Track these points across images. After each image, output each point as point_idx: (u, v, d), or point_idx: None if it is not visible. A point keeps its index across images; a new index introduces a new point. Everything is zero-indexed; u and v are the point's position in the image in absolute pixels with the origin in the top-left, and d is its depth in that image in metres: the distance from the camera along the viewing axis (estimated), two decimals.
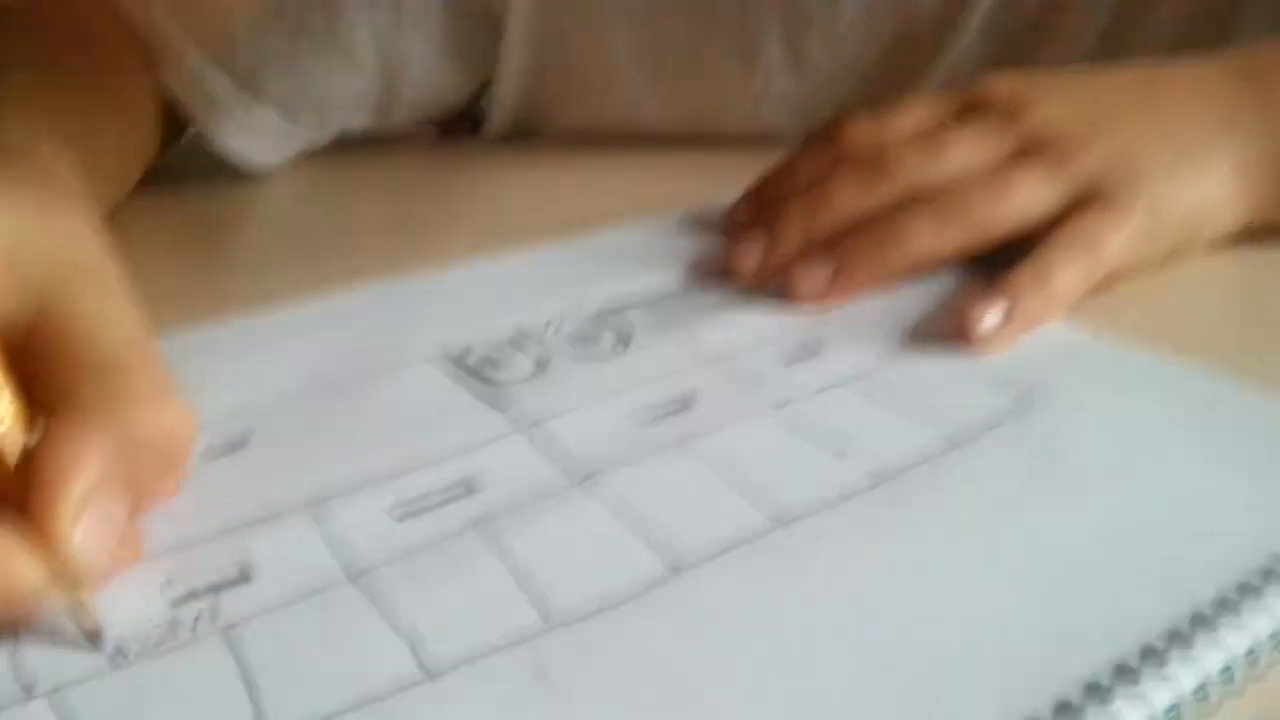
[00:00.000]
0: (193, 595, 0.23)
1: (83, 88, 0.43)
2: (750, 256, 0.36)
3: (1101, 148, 0.35)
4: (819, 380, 0.30)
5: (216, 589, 0.23)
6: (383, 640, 0.22)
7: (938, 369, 0.31)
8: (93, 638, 0.22)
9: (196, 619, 0.22)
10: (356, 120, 0.52)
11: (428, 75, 0.51)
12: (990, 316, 0.32)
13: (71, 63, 0.43)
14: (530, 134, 0.56)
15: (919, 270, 0.35)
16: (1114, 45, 0.49)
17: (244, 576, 0.24)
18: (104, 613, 0.22)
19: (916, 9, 0.50)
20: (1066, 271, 0.33)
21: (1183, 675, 0.20)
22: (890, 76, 0.51)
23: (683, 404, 0.29)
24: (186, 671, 0.21)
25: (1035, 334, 0.32)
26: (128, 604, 0.23)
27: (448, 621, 0.22)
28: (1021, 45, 0.50)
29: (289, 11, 0.48)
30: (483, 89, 0.55)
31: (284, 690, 0.21)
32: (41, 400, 0.23)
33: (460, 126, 0.58)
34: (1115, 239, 0.34)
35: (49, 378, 0.23)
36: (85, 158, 0.37)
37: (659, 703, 0.20)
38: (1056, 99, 0.37)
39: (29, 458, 0.22)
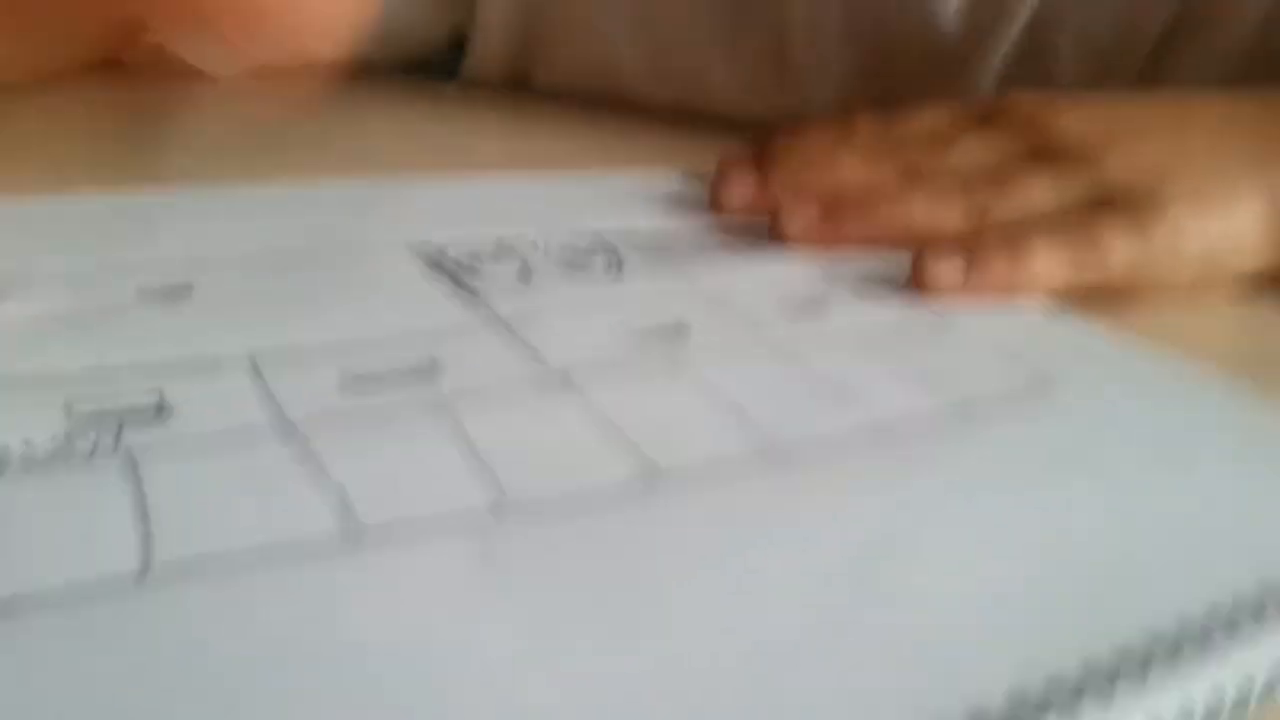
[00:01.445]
0: (97, 419, 0.20)
1: None
2: (739, 188, 0.35)
3: (1125, 160, 0.34)
4: (822, 332, 0.28)
5: (123, 419, 0.20)
6: (304, 498, 0.19)
7: (951, 339, 0.28)
8: None
9: (95, 443, 0.19)
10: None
11: (401, 11, 0.50)
12: (946, 268, 0.30)
13: None
14: (512, 86, 0.54)
15: (910, 242, 0.33)
16: None
17: (158, 413, 0.21)
18: None
19: (896, 31, 0.48)
20: (1052, 252, 0.31)
21: (1188, 684, 0.17)
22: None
23: (675, 332, 0.27)
24: (71, 491, 0.18)
25: (1051, 324, 0.30)
26: (18, 413, 0.20)
27: (384, 492, 0.19)
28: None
29: None
30: (461, 37, 0.53)
31: (179, 527, 0.17)
32: None
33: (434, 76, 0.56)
34: (1125, 243, 0.32)
35: None
36: None
37: (615, 612, 0.17)
38: (1082, 113, 0.36)
39: None
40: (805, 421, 0.23)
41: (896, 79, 0.48)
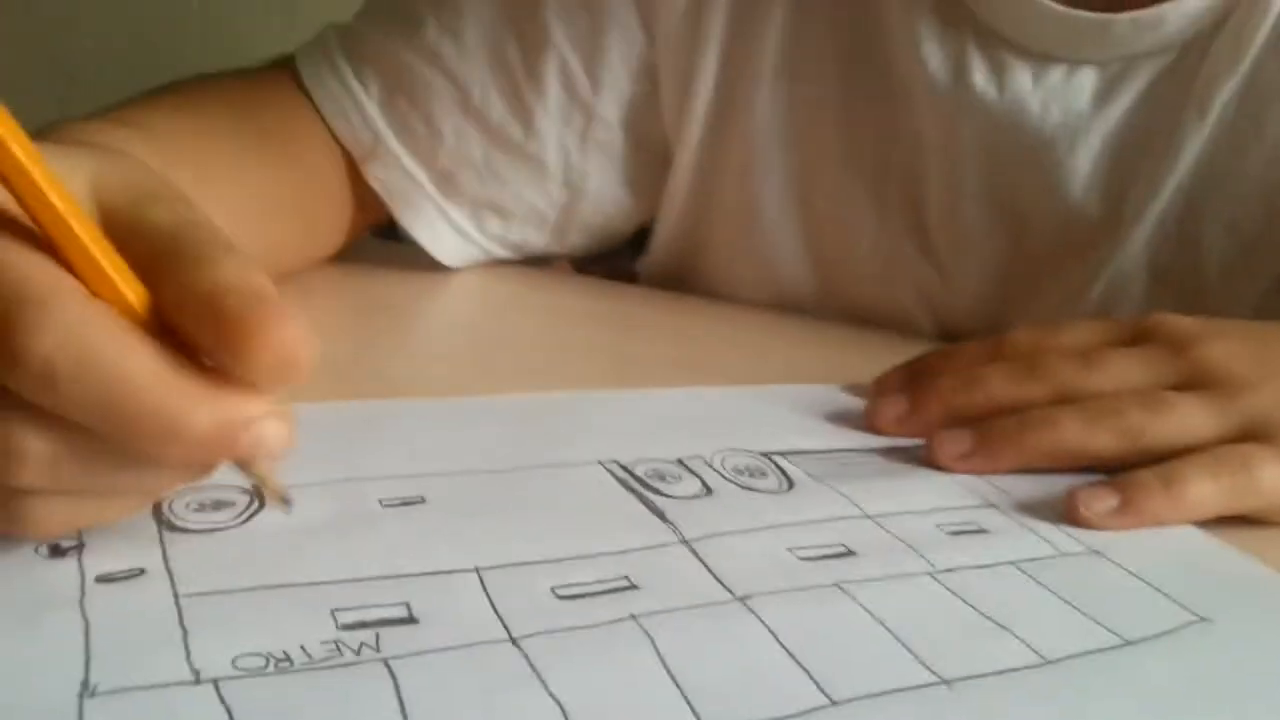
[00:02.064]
0: (360, 625, 0.24)
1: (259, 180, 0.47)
2: (892, 409, 0.38)
3: (1272, 392, 0.35)
4: (982, 556, 0.30)
5: (382, 623, 0.24)
6: (535, 702, 0.22)
7: (1109, 569, 0.30)
8: (283, 500, 0.25)
9: (361, 644, 0.23)
10: (534, 237, 0.56)
11: (605, 198, 0.55)
12: (1098, 503, 0.32)
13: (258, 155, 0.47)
14: (679, 279, 0.58)
15: (1061, 463, 0.35)
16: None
17: (410, 618, 0.24)
18: (275, 620, 0.23)
19: (1059, 220, 0.49)
20: (1203, 483, 0.33)
21: None
22: (1038, 292, 0.51)
23: (844, 550, 0.29)
24: (346, 689, 0.22)
25: (1215, 560, 0.31)
26: (298, 620, 0.24)
27: (600, 703, 0.22)
28: (1184, 286, 0.49)
29: (491, 121, 0.52)
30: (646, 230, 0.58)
31: None
32: (150, 284, 0.23)
33: (616, 265, 0.61)
34: (1272, 470, 0.33)
35: (155, 252, 0.23)
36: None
37: None
38: (1228, 339, 0.37)
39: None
40: (972, 647, 0.25)
41: (1035, 246, 0.50)
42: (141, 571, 0.25)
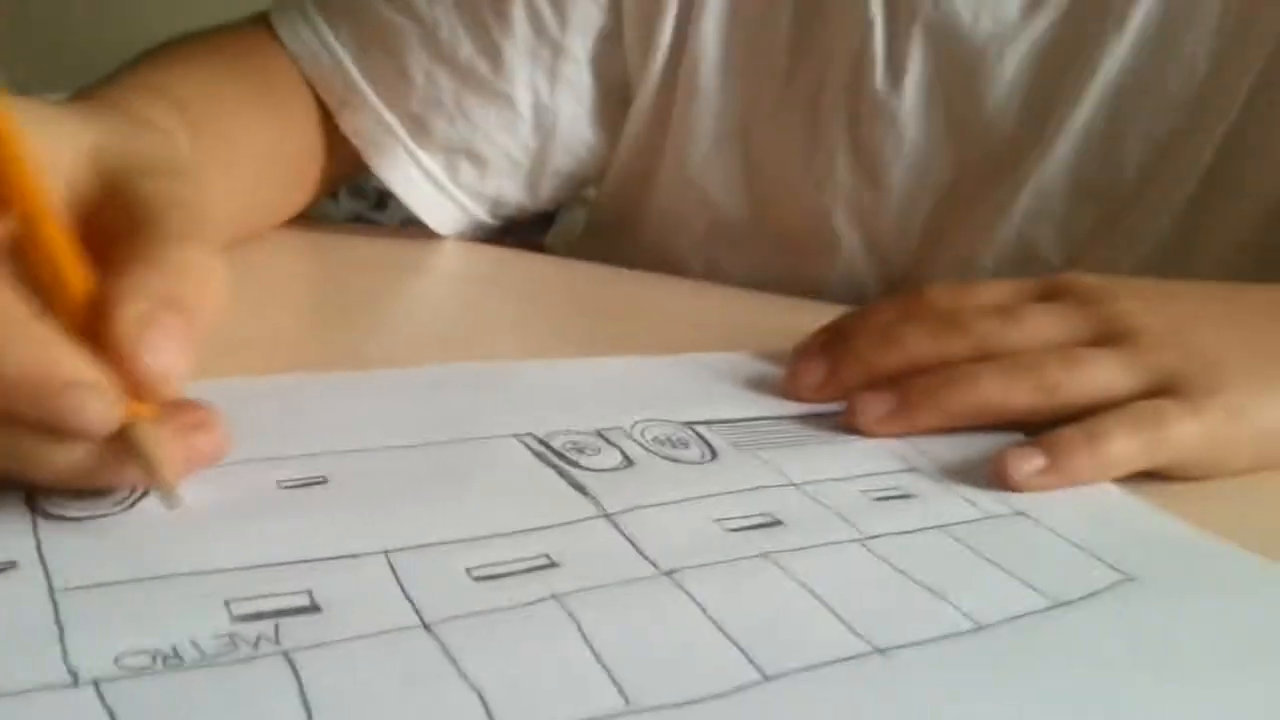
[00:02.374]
0: (257, 615, 0.22)
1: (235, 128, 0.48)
2: (810, 375, 0.37)
3: (1183, 346, 0.35)
4: (908, 522, 0.29)
5: (281, 613, 0.22)
6: (453, 691, 0.20)
7: (1035, 530, 0.30)
8: (167, 493, 0.24)
9: (259, 637, 0.21)
10: (509, 189, 0.56)
11: (574, 139, 0.55)
12: (1027, 465, 0.32)
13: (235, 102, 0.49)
14: (619, 222, 0.58)
15: (982, 420, 0.35)
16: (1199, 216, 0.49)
17: (313, 606, 0.22)
18: (162, 614, 0.21)
19: (987, 128, 0.51)
20: (1124, 441, 0.33)
21: None
22: (964, 204, 0.52)
23: (770, 519, 0.28)
24: (242, 686, 0.20)
25: (1136, 519, 0.31)
26: (187, 613, 0.22)
27: (523, 688, 0.21)
28: (1105, 197, 0.50)
29: (460, 60, 0.52)
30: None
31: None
32: (112, 261, 0.26)
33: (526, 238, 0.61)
34: (1184, 426, 0.33)
35: (114, 242, 0.26)
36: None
37: None
38: (1137, 296, 0.37)
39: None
40: (906, 615, 0.25)
41: (964, 158, 0.52)
42: (13, 564, 0.22)
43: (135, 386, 0.24)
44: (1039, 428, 0.34)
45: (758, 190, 0.55)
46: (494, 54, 0.52)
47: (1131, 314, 0.36)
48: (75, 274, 0.25)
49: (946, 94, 0.51)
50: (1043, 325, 0.37)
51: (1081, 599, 0.26)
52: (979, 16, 0.49)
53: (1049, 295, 0.38)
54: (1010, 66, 0.50)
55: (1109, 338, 0.36)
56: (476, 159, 0.54)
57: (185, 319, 0.24)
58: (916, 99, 0.51)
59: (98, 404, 0.23)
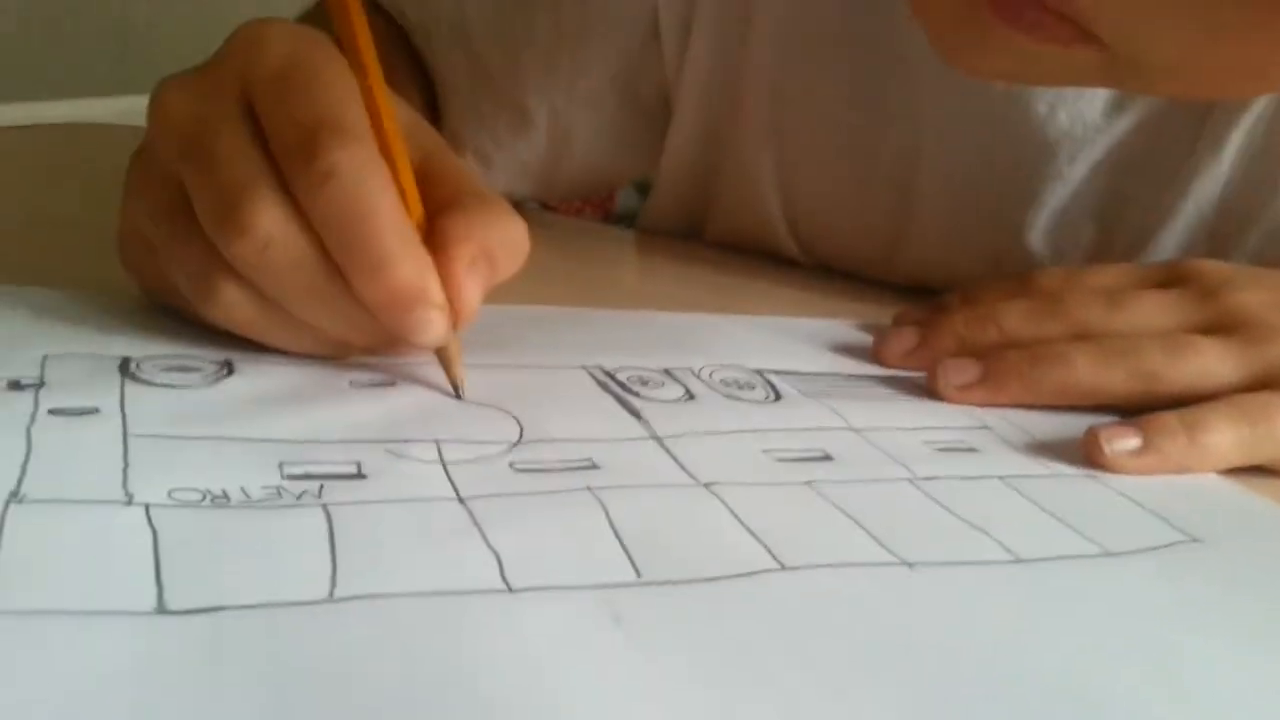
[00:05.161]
0: (307, 477, 0.23)
1: None
2: (900, 342, 0.36)
3: None
4: (970, 469, 0.29)
5: (329, 477, 0.23)
6: (473, 551, 0.21)
7: (1101, 490, 0.29)
8: (459, 386, 0.29)
9: (303, 492, 0.23)
10: (520, 186, 0.53)
11: (592, 156, 0.52)
12: (1120, 442, 0.30)
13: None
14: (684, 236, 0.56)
15: (1071, 401, 0.34)
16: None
17: (359, 474, 0.24)
18: (219, 465, 0.23)
19: (1026, 233, 0.46)
20: (1224, 431, 0.31)
21: None
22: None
23: (823, 454, 0.28)
24: (275, 526, 0.21)
25: (1219, 494, 0.30)
26: (242, 466, 0.23)
27: (539, 554, 0.21)
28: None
29: (477, 56, 0.50)
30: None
31: (365, 562, 0.20)
32: (432, 210, 0.29)
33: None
34: None
35: (438, 196, 0.29)
36: None
37: (735, 678, 0.19)
38: (1262, 287, 0.35)
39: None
40: (942, 540, 0.24)
41: (1018, 253, 0.46)
42: (96, 410, 0.24)
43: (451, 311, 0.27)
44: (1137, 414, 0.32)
45: (802, 234, 0.51)
46: (512, 60, 0.50)
47: (1249, 304, 0.35)
48: (416, 206, 0.28)
49: (1000, 194, 0.46)
50: (1148, 311, 0.35)
51: (1136, 551, 0.25)
52: (1055, 111, 0.43)
53: (1169, 282, 0.37)
54: (1082, 170, 0.44)
55: (1221, 327, 0.34)
56: (483, 158, 0.52)
57: (493, 272, 0.28)
58: (967, 184, 0.46)
59: (443, 326, 0.27)
